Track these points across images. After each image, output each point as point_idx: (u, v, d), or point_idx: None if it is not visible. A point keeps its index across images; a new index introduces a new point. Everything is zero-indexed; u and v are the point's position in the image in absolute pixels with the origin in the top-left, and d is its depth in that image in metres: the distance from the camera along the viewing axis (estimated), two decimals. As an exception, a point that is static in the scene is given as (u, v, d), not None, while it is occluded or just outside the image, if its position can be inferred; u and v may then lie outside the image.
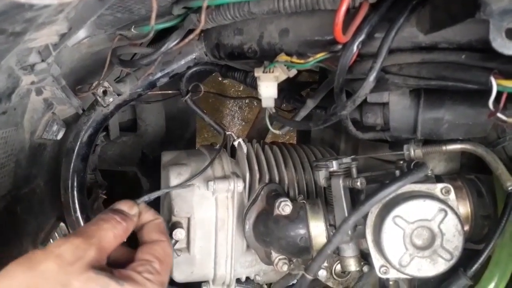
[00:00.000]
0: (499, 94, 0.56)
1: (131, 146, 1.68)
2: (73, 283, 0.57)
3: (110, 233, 0.66)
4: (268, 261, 0.99)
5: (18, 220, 1.02)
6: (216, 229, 0.99)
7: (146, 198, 0.81)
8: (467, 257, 0.80)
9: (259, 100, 0.90)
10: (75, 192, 1.06)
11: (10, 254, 0.97)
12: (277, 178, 1.01)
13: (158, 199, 1.11)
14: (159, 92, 1.40)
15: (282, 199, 0.90)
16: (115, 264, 0.65)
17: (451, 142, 0.85)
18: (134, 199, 0.78)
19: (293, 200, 0.92)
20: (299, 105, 0.97)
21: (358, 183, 0.78)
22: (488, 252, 0.81)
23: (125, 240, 0.71)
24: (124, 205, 0.73)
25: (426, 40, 0.69)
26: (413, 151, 0.86)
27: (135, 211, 0.73)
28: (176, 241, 0.95)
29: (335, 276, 0.93)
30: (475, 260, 0.82)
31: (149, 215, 0.76)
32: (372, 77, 0.68)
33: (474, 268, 0.82)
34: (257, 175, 1.00)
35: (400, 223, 0.74)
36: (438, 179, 0.86)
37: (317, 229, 0.87)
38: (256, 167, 1.01)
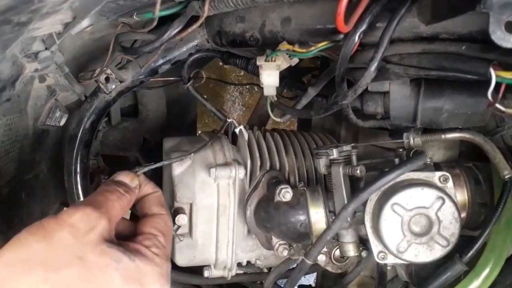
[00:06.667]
0: (498, 85, 0.57)
1: (132, 131, 1.67)
2: (88, 256, 0.55)
3: (117, 204, 0.64)
4: (268, 246, 1.01)
5: (22, 205, 1.03)
6: (217, 214, 1.00)
7: (145, 169, 0.78)
8: (463, 243, 0.82)
9: (260, 86, 0.90)
10: (78, 178, 1.06)
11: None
12: (278, 165, 1.02)
13: (160, 183, 1.13)
14: (161, 79, 1.40)
15: (282, 186, 0.91)
16: (117, 236, 0.62)
17: (450, 130, 0.86)
18: (133, 170, 0.75)
19: (293, 187, 0.93)
20: (300, 92, 0.98)
21: (358, 171, 0.79)
22: (484, 238, 0.83)
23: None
24: (125, 177, 0.71)
25: (427, 31, 0.69)
26: (413, 140, 0.87)
27: (136, 183, 0.71)
28: (179, 227, 0.96)
29: (334, 261, 0.94)
30: (471, 246, 0.83)
31: (148, 187, 0.74)
32: (373, 67, 0.68)
33: (470, 254, 0.83)
34: (258, 162, 1.01)
35: (398, 210, 0.76)
36: (436, 167, 0.87)
37: (317, 216, 0.88)
38: (257, 154, 1.02)
